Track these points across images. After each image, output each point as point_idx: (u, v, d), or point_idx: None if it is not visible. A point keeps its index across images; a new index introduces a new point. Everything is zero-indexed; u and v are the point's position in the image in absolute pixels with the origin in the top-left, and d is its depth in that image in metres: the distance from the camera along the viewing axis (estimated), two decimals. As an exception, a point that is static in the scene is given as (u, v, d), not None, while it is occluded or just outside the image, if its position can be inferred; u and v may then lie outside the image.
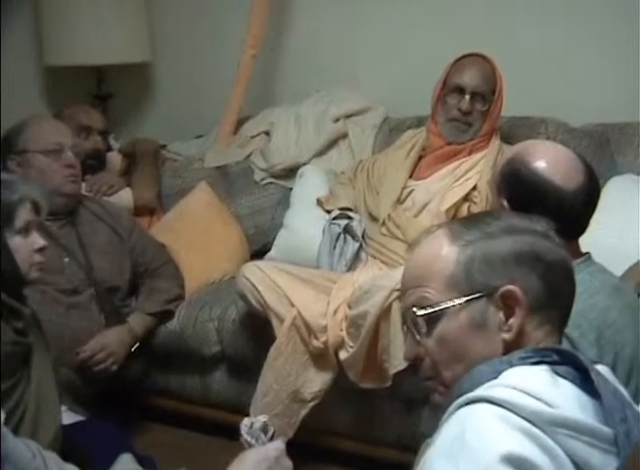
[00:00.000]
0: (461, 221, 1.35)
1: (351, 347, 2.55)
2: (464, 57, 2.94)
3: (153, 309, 2.95)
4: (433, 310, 1.21)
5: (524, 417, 1.06)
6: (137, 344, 2.88)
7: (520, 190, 1.79)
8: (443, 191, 2.86)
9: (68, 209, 2.89)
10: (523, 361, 1.15)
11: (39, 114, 3.30)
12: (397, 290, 2.45)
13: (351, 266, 2.86)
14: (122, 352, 2.81)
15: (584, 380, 1.14)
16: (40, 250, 2.11)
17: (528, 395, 1.09)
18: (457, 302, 1.20)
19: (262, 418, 1.56)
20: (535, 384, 1.11)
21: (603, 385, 1.13)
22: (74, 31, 3.73)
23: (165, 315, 2.98)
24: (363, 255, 2.90)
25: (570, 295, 1.27)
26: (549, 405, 1.08)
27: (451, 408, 1.12)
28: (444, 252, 1.23)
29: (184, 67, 3.99)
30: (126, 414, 2.86)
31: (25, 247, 2.07)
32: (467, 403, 1.10)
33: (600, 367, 1.19)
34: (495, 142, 2.92)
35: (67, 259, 2.82)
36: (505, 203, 1.81)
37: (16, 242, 2.04)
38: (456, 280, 1.21)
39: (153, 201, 3.45)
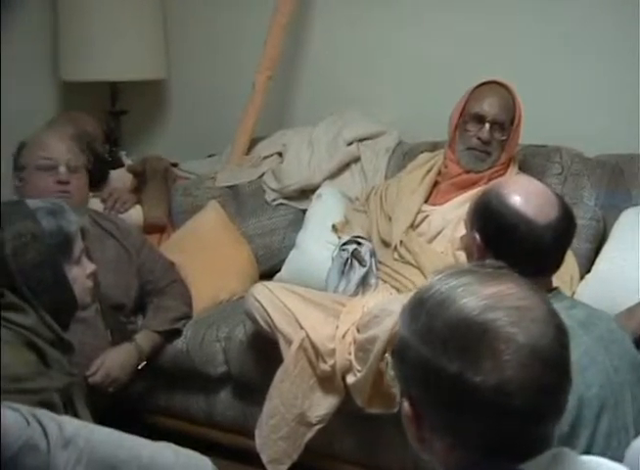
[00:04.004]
0: None
1: (359, 371, 2.52)
2: (483, 84, 2.90)
3: (160, 327, 2.92)
4: None
5: None
6: (144, 362, 2.86)
7: (490, 222, 1.77)
8: (459, 219, 2.83)
9: None
10: None
11: (42, 129, 3.24)
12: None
13: (357, 292, 2.84)
14: (126, 376, 2.77)
15: None
16: (91, 274, 2.06)
17: None
18: None
19: None
20: None
21: None
22: (91, 47, 3.75)
23: (173, 334, 2.95)
24: (373, 279, 2.88)
25: None
26: None
27: None
28: None
29: (199, 85, 3.99)
30: (128, 432, 2.82)
31: (82, 275, 2.02)
32: None
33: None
34: (513, 170, 2.90)
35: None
36: (477, 235, 1.79)
37: (73, 273, 1.98)
38: None
39: (162, 219, 3.43)
